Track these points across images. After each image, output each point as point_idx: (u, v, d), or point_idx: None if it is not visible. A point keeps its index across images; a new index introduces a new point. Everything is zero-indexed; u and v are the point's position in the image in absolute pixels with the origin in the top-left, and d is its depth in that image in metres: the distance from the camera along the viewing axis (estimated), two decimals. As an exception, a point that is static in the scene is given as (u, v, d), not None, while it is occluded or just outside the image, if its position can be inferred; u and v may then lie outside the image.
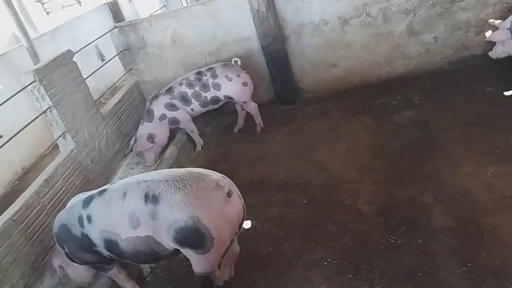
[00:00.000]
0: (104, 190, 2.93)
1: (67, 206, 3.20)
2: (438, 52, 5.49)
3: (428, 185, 3.75)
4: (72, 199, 3.25)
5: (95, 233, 2.91)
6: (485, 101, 4.68)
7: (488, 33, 5.15)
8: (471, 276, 2.87)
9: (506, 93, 4.69)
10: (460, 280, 2.86)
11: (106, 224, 2.83)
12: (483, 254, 2.99)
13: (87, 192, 3.16)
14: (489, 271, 2.87)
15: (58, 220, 3.15)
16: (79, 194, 3.25)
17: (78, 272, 3.37)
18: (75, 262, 3.22)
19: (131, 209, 2.73)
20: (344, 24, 5.48)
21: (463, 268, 2.93)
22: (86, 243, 3.00)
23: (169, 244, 2.74)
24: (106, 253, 3.00)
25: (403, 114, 4.91)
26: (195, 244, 2.68)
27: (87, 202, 2.95)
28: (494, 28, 4.98)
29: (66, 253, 3.18)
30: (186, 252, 2.78)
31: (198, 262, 2.83)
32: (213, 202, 2.66)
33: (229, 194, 2.73)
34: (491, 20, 4.97)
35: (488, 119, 4.35)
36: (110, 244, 2.88)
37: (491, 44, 4.99)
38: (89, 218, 2.91)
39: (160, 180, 2.70)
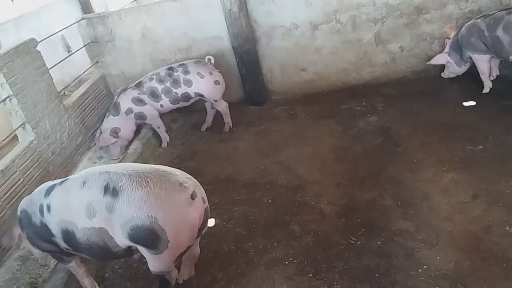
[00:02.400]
0: (66, 179, 2.85)
1: (33, 192, 3.09)
2: (403, 61, 5.65)
3: (389, 189, 3.85)
4: (41, 185, 3.11)
5: (54, 224, 2.82)
6: (445, 110, 4.86)
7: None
8: (425, 278, 2.95)
9: (465, 104, 4.89)
10: (415, 281, 2.94)
11: (64, 214, 2.75)
12: (438, 257, 3.08)
13: (56, 180, 3.06)
14: (443, 273, 2.96)
15: (21, 205, 3.05)
16: (47, 182, 3.11)
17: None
18: (35, 247, 3.11)
19: (88, 199, 2.65)
20: (314, 29, 5.56)
21: (419, 270, 3.01)
22: (45, 232, 2.90)
23: (122, 240, 2.65)
24: (63, 245, 2.90)
25: (367, 120, 5.02)
26: (148, 244, 2.61)
27: (49, 191, 2.86)
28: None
29: (26, 238, 3.07)
30: (140, 248, 2.70)
31: (152, 261, 2.76)
32: (174, 204, 2.57)
33: (193, 197, 2.64)
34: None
35: (448, 127, 4.51)
36: (67, 235, 2.78)
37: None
38: (48, 208, 2.82)
39: (123, 174, 2.61)
